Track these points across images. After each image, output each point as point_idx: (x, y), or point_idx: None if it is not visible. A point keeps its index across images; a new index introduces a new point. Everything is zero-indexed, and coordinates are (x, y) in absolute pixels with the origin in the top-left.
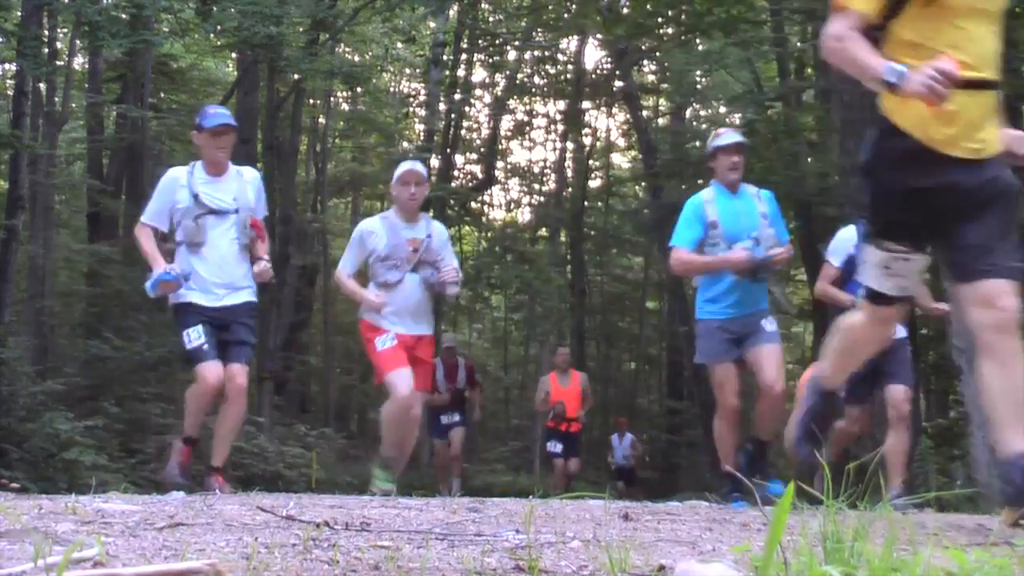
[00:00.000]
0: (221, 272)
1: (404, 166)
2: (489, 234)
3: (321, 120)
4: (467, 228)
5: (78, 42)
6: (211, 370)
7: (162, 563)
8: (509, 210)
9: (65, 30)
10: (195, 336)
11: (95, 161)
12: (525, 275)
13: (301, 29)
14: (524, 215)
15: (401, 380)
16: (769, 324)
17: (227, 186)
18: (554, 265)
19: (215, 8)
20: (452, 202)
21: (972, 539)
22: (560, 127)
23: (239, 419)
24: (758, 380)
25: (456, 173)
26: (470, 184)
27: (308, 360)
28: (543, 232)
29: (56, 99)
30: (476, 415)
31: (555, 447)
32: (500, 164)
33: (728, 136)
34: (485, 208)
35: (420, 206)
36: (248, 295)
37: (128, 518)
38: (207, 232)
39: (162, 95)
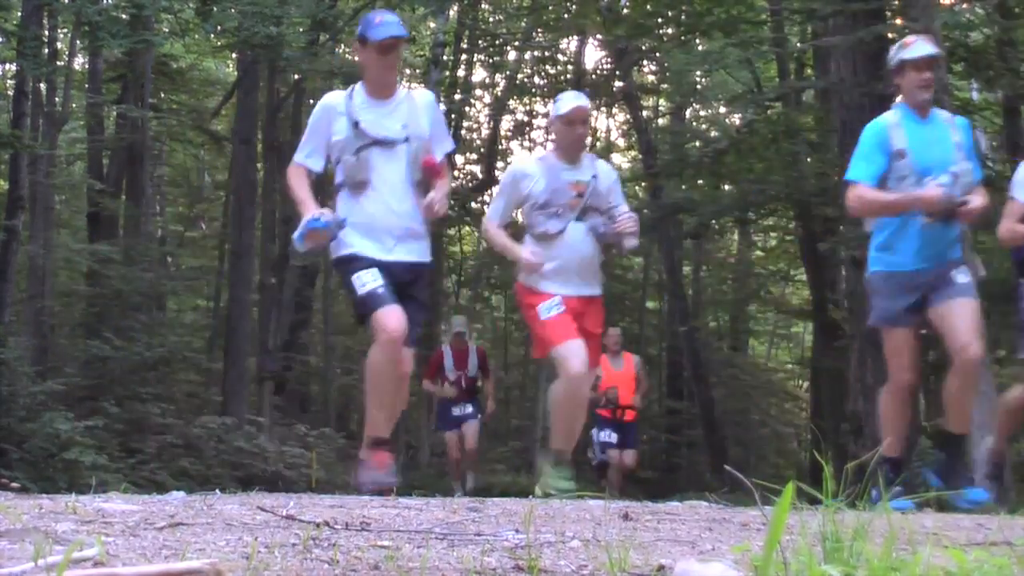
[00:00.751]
0: (391, 217)
1: (569, 102)
2: None
3: None
4: (467, 228)
5: (78, 42)
6: (392, 315)
7: (162, 563)
8: None
9: (65, 30)
10: (369, 279)
11: (95, 161)
12: None
13: (301, 29)
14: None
15: (573, 353)
16: (962, 275)
17: (395, 111)
18: None
19: (215, 8)
20: (452, 202)
21: (972, 539)
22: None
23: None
24: (947, 343)
25: (456, 173)
26: (470, 184)
27: (308, 360)
28: None
29: (56, 99)
30: (490, 408)
31: (610, 436)
32: (500, 164)
33: (919, 47)
34: (485, 208)
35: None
36: (422, 251)
37: (128, 518)
38: (372, 168)
39: (162, 95)
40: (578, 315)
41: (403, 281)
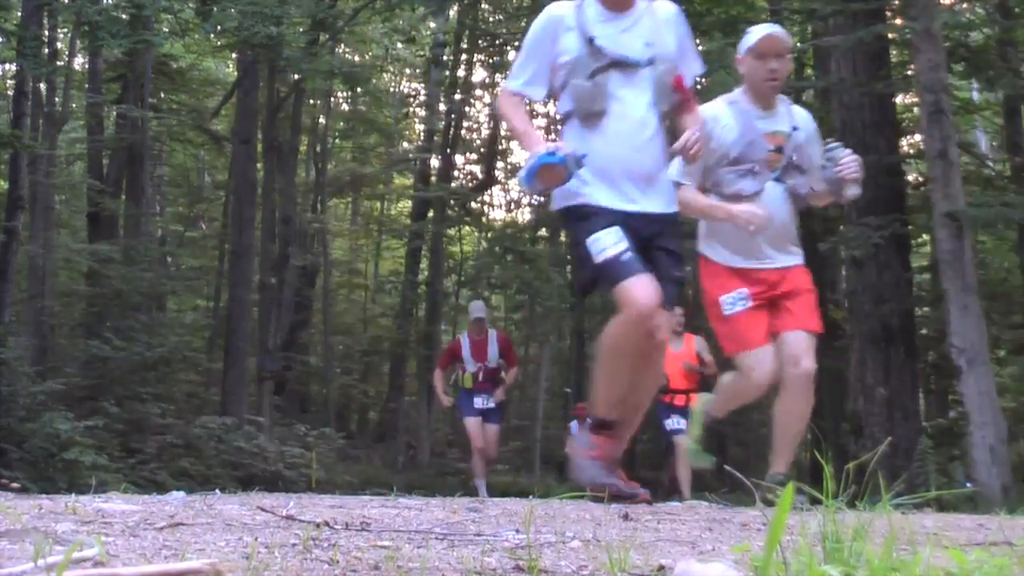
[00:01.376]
0: (632, 157)
1: (760, 32)
2: (489, 234)
3: (321, 120)
4: (467, 228)
5: (78, 42)
6: (641, 288)
7: (162, 563)
8: (509, 210)
9: (65, 30)
10: (609, 241)
11: (95, 161)
12: (525, 275)
13: (301, 29)
14: (524, 215)
15: (761, 362)
16: None
17: (636, 26)
18: (554, 265)
19: (215, 8)
20: (452, 202)
21: (972, 539)
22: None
23: (655, 378)
24: None
25: (456, 173)
26: (470, 184)
27: (308, 360)
28: (543, 232)
29: (56, 99)
30: (497, 396)
31: (676, 423)
32: (500, 164)
33: None
34: (485, 208)
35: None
36: (668, 198)
37: (128, 518)
38: (610, 95)
39: (162, 95)
40: (774, 291)
41: (647, 235)
